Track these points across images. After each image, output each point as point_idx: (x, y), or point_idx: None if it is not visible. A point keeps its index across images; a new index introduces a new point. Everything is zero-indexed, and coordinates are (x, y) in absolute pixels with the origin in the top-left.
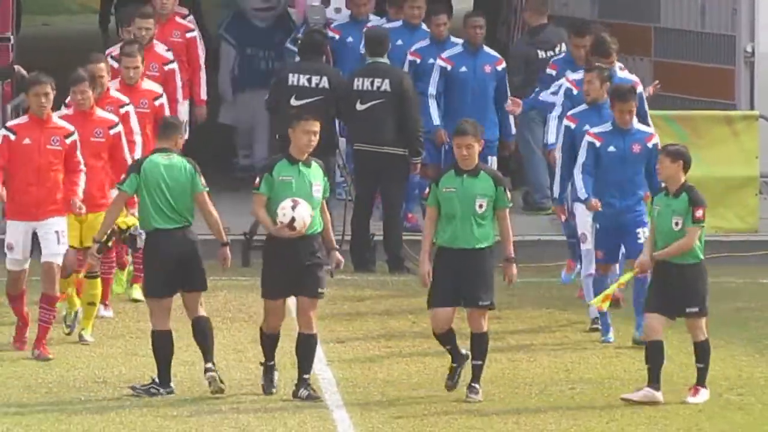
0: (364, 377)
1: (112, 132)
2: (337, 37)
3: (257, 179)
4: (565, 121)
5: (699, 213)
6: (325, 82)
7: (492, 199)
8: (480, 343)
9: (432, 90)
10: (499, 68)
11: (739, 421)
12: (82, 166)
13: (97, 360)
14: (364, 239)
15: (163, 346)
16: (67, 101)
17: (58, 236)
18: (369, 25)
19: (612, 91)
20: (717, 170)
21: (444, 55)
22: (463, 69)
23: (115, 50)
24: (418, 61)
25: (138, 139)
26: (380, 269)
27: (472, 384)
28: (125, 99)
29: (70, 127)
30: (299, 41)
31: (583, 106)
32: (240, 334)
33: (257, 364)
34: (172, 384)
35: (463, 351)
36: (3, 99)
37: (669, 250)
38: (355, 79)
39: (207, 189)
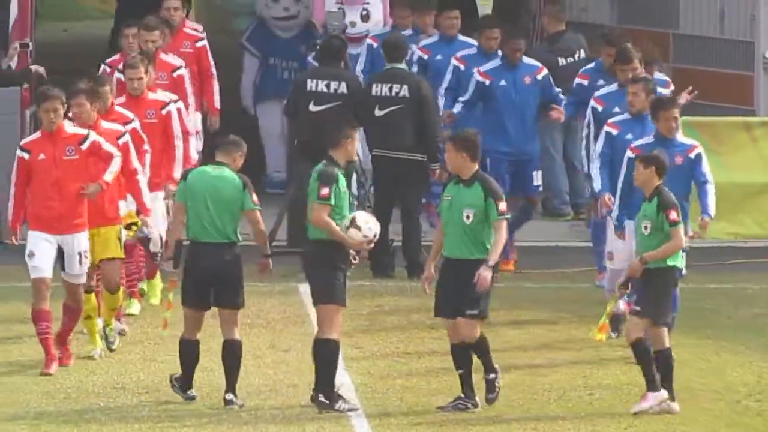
0: (382, 383)
1: (120, 142)
2: (375, 45)
3: (325, 189)
4: (606, 127)
5: (672, 216)
6: (343, 88)
7: (481, 210)
8: (476, 351)
9: (465, 97)
10: (540, 77)
11: (759, 427)
12: (115, 153)
13: (116, 366)
14: (382, 245)
15: (187, 354)
16: (70, 114)
17: (80, 257)
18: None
19: (653, 102)
20: (736, 176)
21: (482, 69)
22: (502, 83)
23: (117, 60)
24: (463, 67)
25: (148, 148)
26: (399, 275)
27: (486, 376)
28: (130, 115)
29: (83, 131)
30: (317, 46)
31: (627, 115)
32: (259, 340)
33: (275, 369)
34: (192, 391)
35: (471, 397)
36: (21, 104)
37: (658, 252)
38: (374, 85)
39: (259, 207)
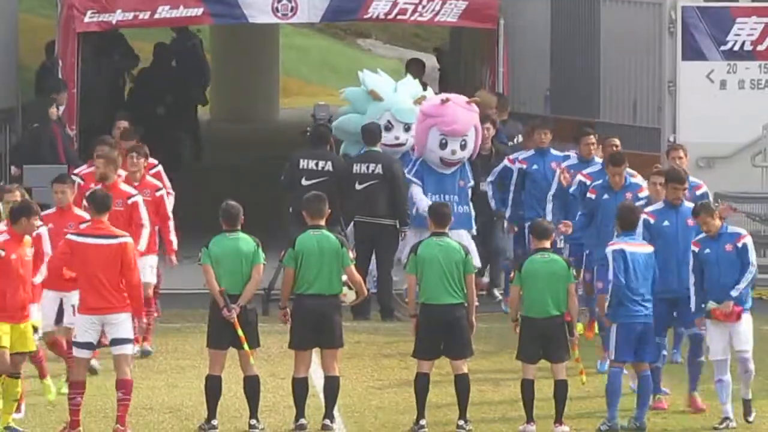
0: (360, 404)
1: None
2: (524, 167)
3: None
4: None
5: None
6: (329, 166)
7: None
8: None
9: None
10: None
11: None
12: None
13: (145, 391)
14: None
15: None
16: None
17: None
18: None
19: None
20: None
21: (649, 209)
22: (666, 224)
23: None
24: (588, 183)
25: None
26: (374, 317)
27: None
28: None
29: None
30: (309, 132)
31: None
32: (261, 370)
33: (274, 393)
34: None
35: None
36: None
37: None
38: (354, 165)
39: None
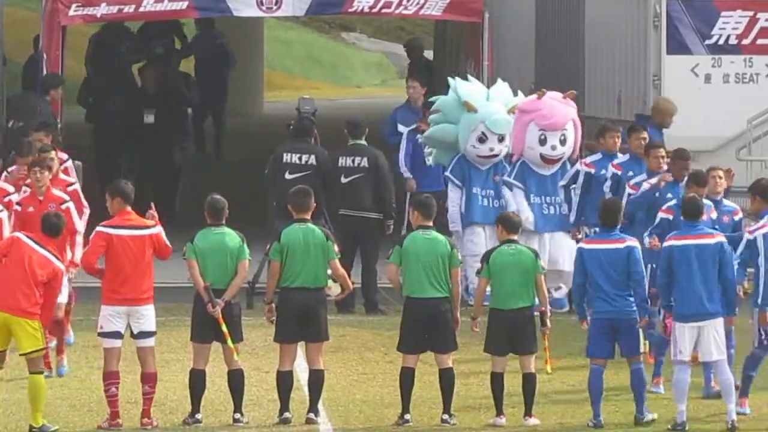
0: (345, 398)
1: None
2: (592, 171)
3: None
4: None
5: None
6: (313, 160)
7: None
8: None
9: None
10: (737, 218)
11: None
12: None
13: (130, 384)
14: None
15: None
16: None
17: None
18: (616, 161)
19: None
20: None
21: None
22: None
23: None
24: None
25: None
26: (359, 311)
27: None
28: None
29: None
30: (292, 126)
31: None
32: (245, 364)
33: (258, 387)
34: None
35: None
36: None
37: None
38: (339, 158)
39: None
